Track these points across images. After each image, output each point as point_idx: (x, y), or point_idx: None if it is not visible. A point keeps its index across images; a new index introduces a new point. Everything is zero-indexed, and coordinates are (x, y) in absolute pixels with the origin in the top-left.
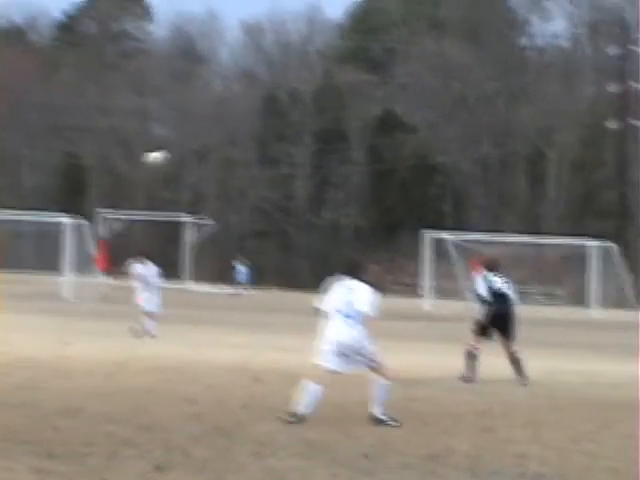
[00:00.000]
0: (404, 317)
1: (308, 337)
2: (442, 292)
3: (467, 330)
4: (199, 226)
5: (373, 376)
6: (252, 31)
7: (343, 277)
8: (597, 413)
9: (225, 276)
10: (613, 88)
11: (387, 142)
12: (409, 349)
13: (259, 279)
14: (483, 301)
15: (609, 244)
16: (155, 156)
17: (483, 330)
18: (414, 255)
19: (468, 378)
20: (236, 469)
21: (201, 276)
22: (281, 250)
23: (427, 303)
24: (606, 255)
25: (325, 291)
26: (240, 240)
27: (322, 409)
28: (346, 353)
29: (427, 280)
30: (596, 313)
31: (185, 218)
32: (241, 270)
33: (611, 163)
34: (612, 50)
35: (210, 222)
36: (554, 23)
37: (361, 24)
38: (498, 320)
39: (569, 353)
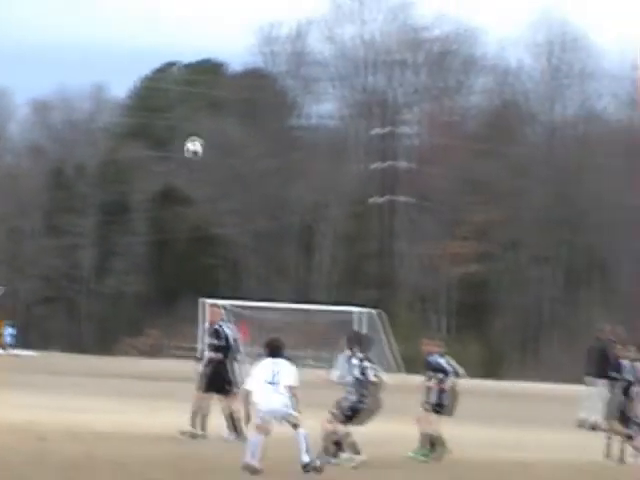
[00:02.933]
0: (184, 379)
1: (90, 399)
2: None
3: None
4: None
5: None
6: (40, 108)
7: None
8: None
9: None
10: (377, 166)
11: (168, 215)
12: (182, 410)
13: (46, 343)
14: None
15: (373, 311)
16: (193, 145)
17: None
18: (193, 321)
19: None
20: None
21: None
22: (67, 316)
23: (201, 367)
24: (371, 322)
25: None
26: (29, 306)
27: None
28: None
29: (201, 345)
30: None
31: None
32: (7, 332)
33: (376, 236)
34: (376, 130)
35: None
36: (325, 105)
37: (144, 103)
38: None
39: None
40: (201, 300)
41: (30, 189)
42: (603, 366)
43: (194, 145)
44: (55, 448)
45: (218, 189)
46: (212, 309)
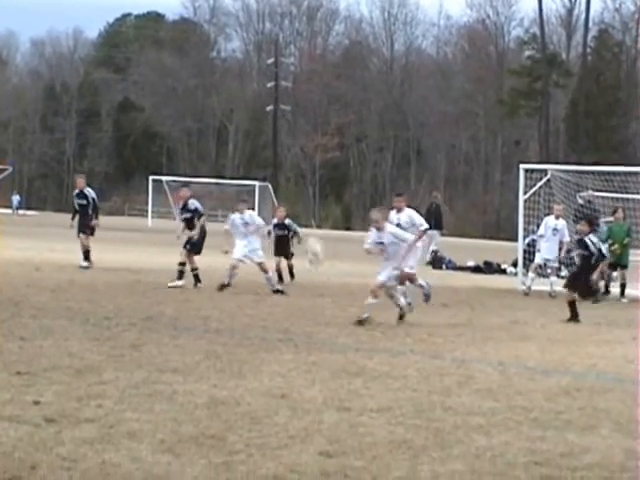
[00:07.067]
0: (136, 230)
1: (72, 243)
2: (159, 214)
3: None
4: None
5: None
6: (38, 44)
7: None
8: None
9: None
10: (269, 85)
11: (125, 118)
12: (140, 251)
13: (42, 206)
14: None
15: (266, 184)
16: None
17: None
18: (143, 191)
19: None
20: (22, 326)
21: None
22: (57, 187)
23: (150, 222)
24: (263, 192)
25: None
26: (30, 181)
27: (78, 290)
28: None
29: (150, 207)
30: None
31: None
32: (15, 199)
33: (268, 133)
34: (268, 61)
35: (9, 168)
36: (233, 42)
37: (109, 41)
38: None
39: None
40: (149, 177)
41: (30, 100)
42: (437, 220)
43: None
44: (47, 276)
45: (160, 100)
46: (78, 179)
